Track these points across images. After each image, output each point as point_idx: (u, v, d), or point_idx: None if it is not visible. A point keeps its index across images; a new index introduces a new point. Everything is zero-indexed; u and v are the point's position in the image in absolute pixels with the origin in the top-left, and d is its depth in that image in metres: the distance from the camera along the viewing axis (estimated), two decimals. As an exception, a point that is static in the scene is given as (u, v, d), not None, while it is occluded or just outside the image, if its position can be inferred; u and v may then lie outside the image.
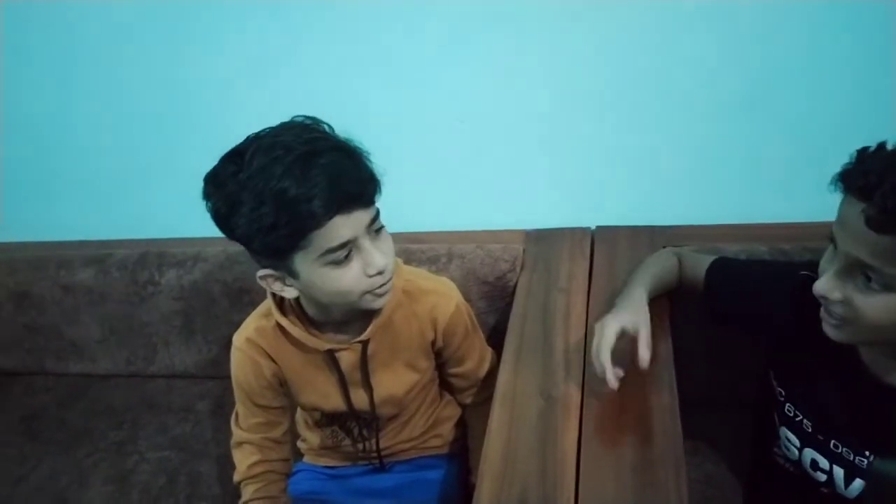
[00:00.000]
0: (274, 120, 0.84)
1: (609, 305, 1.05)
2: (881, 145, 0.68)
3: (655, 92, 1.15)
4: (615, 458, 0.83)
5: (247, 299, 1.34)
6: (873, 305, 0.70)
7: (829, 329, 0.77)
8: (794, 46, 1.06)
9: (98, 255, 1.47)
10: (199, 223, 1.32)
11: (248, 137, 0.82)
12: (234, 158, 0.80)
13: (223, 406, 1.41)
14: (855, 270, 0.70)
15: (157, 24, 1.26)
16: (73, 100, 1.39)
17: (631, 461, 0.82)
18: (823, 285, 0.73)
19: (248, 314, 1.03)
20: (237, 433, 1.06)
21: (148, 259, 1.43)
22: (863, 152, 0.69)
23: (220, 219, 0.82)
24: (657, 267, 1.03)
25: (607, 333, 0.87)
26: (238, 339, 1.00)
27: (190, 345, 1.47)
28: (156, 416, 1.45)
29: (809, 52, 1.07)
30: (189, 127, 1.36)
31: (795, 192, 1.14)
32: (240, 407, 1.05)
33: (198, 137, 1.34)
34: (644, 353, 0.87)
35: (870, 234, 0.66)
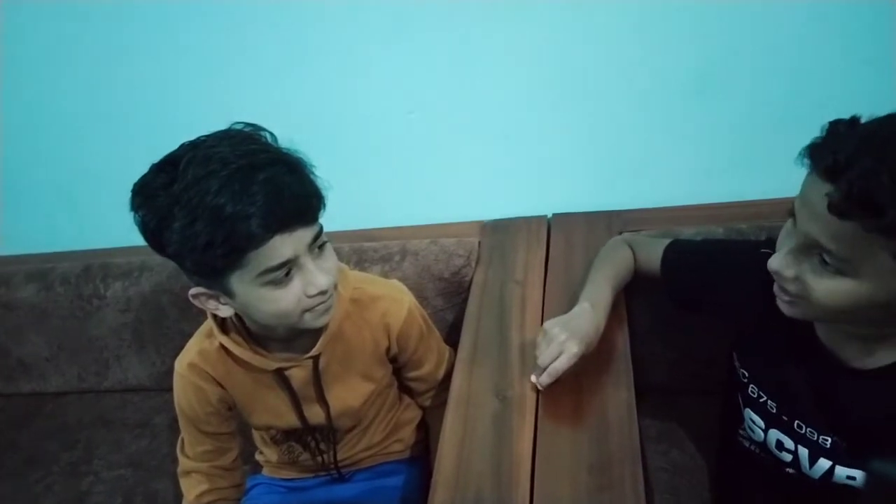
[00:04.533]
0: (218, 122, 0.79)
1: (565, 297, 1.03)
2: (854, 120, 0.65)
3: (606, 78, 1.12)
4: (571, 458, 0.80)
5: (196, 309, 1.29)
6: (825, 287, 0.68)
7: (782, 305, 0.75)
8: (742, 28, 1.04)
9: (40, 269, 1.42)
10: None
11: (182, 145, 0.77)
12: (167, 168, 0.75)
13: (180, 419, 1.37)
14: (811, 250, 0.68)
15: (99, 29, 1.20)
16: (5, 106, 1.32)
17: (587, 461, 0.79)
18: (779, 262, 0.71)
19: (199, 324, 0.98)
20: (184, 462, 1.02)
21: (91, 272, 1.38)
22: (834, 126, 0.66)
23: (149, 233, 0.77)
24: (614, 266, 1.00)
25: (559, 366, 0.86)
26: (180, 364, 0.95)
27: (142, 357, 1.42)
28: (111, 432, 1.40)
29: (757, 33, 1.04)
30: (129, 132, 1.31)
31: (749, 171, 1.12)
32: (185, 434, 1.00)
33: (138, 143, 1.29)
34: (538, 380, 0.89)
35: (831, 219, 0.63)
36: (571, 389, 0.88)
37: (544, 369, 0.88)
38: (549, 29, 1.09)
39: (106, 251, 1.42)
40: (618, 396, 0.87)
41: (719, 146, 1.15)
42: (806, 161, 0.67)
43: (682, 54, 1.08)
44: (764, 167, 1.10)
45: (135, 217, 0.77)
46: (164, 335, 1.37)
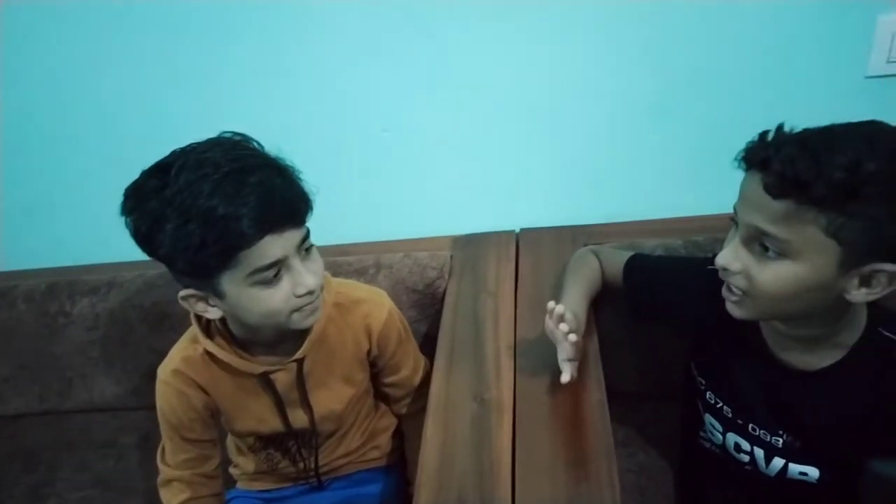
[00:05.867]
0: (187, 139, 0.82)
1: (536, 306, 1.07)
2: (779, 126, 0.73)
3: (571, 100, 1.18)
4: (549, 455, 0.84)
5: (167, 324, 1.29)
6: (769, 274, 0.73)
7: (730, 307, 0.80)
8: (699, 52, 1.12)
9: (2, 287, 1.38)
10: (111, 249, 1.29)
11: (173, 152, 0.80)
12: (158, 173, 0.78)
13: (149, 438, 1.34)
14: (753, 241, 0.74)
15: (65, 40, 1.20)
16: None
17: (564, 457, 0.83)
18: (724, 256, 0.76)
19: (169, 340, 0.99)
20: (165, 470, 1.01)
21: (57, 289, 1.35)
22: (763, 133, 0.74)
23: (140, 236, 0.79)
24: (587, 279, 1.04)
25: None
26: (164, 371, 0.96)
27: (108, 376, 1.39)
28: (75, 454, 1.37)
29: (712, 57, 1.12)
30: (94, 150, 1.30)
31: (704, 187, 1.18)
32: (167, 443, 1.00)
33: (104, 161, 1.30)
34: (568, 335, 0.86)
35: (768, 202, 0.70)
36: (546, 391, 0.92)
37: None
38: (517, 52, 1.15)
39: (73, 268, 1.40)
40: (590, 397, 0.91)
41: (677, 164, 1.21)
42: (742, 163, 0.75)
43: (643, 78, 1.14)
44: (718, 183, 1.16)
45: (126, 221, 0.79)
46: (133, 353, 1.35)
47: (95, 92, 1.25)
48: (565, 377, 0.88)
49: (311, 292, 0.83)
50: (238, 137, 0.82)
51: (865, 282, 0.71)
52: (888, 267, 0.70)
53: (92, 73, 1.23)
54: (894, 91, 1.11)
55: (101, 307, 1.33)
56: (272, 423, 0.98)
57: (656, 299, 0.99)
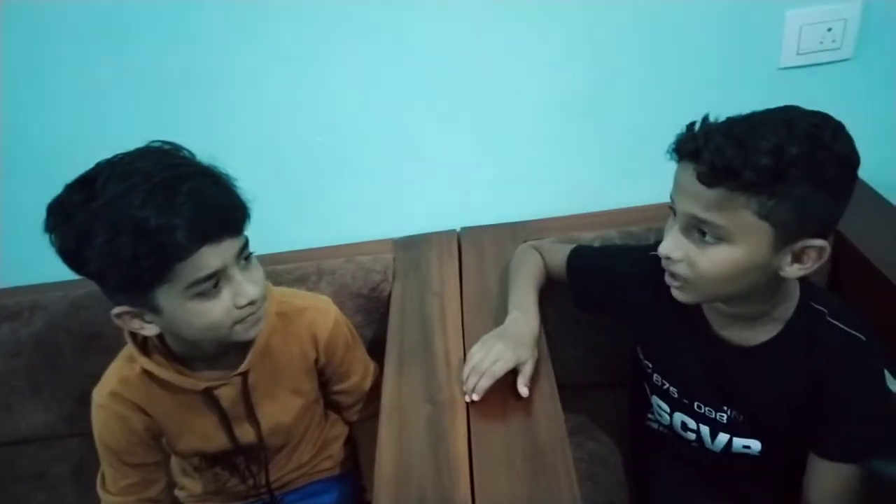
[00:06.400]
0: (116, 149, 0.78)
1: (483, 304, 1.08)
2: (705, 117, 0.77)
3: (506, 99, 1.19)
4: (505, 450, 0.85)
5: (98, 345, 1.23)
6: (708, 258, 0.77)
7: (676, 293, 0.83)
8: (628, 49, 1.15)
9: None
10: (32, 270, 1.22)
11: (98, 163, 0.77)
12: (83, 186, 0.74)
13: (84, 466, 1.27)
14: (692, 228, 0.77)
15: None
16: None
17: (520, 451, 0.84)
18: (666, 245, 0.80)
19: (102, 361, 0.95)
20: (106, 498, 0.96)
21: (-27, 315, 1.27)
22: (691, 125, 0.77)
23: (67, 253, 0.75)
24: (530, 273, 1.06)
25: (497, 369, 0.90)
26: (99, 394, 0.91)
27: (36, 404, 1.32)
28: (2, 489, 1.28)
29: (641, 54, 1.16)
30: (10, 169, 1.22)
31: (638, 179, 1.22)
32: (107, 469, 0.95)
33: (18, 181, 1.22)
34: (523, 391, 0.90)
35: (702, 191, 0.73)
36: (498, 387, 0.92)
37: (478, 379, 0.90)
38: (450, 52, 1.15)
39: (-12, 293, 1.31)
40: (541, 390, 0.92)
41: (610, 158, 1.25)
42: (674, 155, 0.78)
43: (575, 75, 1.17)
44: (650, 175, 1.20)
45: (50, 238, 0.75)
46: (62, 377, 1.28)
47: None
48: (524, 391, 0.91)
49: (252, 302, 0.80)
50: (168, 146, 0.79)
51: (797, 258, 0.76)
52: (817, 242, 0.74)
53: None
54: (805, 80, 1.17)
55: (24, 332, 1.26)
56: (218, 441, 0.95)
57: (600, 289, 1.02)
